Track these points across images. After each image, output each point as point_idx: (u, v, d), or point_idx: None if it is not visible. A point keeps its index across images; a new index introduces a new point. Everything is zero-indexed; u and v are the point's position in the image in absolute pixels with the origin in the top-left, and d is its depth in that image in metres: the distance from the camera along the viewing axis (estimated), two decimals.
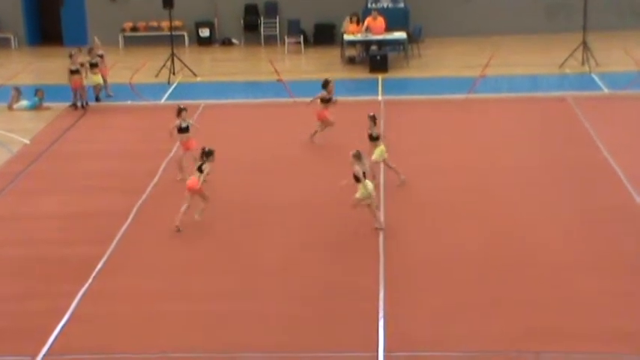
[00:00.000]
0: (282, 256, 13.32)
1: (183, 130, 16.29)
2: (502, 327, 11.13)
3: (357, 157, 13.62)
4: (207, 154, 14.16)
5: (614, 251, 13.09)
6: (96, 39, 23.01)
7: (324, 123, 18.38)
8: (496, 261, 12.88)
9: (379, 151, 15.65)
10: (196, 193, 14.24)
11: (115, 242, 13.89)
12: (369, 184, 13.62)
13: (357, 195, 13.66)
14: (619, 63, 24.27)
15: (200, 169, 14.17)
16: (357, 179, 13.55)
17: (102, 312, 11.84)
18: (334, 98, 18.46)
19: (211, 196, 15.40)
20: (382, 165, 15.94)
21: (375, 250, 13.28)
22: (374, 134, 15.73)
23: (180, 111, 16.32)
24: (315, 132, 18.38)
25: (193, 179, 14.20)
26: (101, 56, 22.31)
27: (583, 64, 23.92)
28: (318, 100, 18.42)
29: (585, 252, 13.11)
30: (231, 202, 15.40)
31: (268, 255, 13.36)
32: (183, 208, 14.19)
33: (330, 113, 18.38)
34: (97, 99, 22.19)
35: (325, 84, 18.55)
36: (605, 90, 21.91)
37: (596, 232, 13.82)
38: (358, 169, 13.56)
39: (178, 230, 14.13)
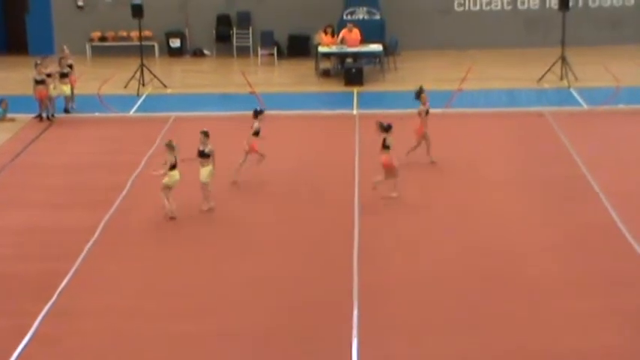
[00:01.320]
0: (253, 274, 13.27)
1: (256, 133, 16.54)
2: (479, 348, 11.15)
3: (170, 147, 14.84)
4: (386, 129, 15.59)
5: (591, 269, 13.18)
6: (65, 48, 22.89)
7: (421, 138, 17.52)
8: (473, 279, 12.93)
9: (207, 172, 15.27)
10: (391, 168, 15.54)
11: (80, 259, 13.79)
12: (176, 174, 14.86)
13: (164, 180, 14.84)
14: (598, 78, 24.48)
15: (385, 146, 15.53)
16: (171, 167, 14.84)
17: (66, 331, 11.74)
18: (429, 109, 17.58)
19: (179, 214, 15.38)
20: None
21: (348, 267, 13.29)
22: (206, 150, 15.27)
23: (259, 113, 16.52)
24: (414, 148, 17.57)
25: (386, 156, 15.57)
26: (70, 66, 22.19)
27: (562, 78, 24.09)
28: (418, 114, 17.53)
29: (564, 270, 13.20)
30: (201, 219, 15.35)
31: (239, 273, 13.31)
32: (377, 180, 15.68)
33: (425, 127, 17.56)
34: (67, 110, 22.06)
35: (419, 94, 17.57)
36: (584, 105, 22.09)
37: (574, 249, 13.91)
38: (169, 158, 14.84)
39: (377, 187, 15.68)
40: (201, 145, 15.33)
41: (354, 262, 13.47)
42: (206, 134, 15.36)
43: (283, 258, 13.77)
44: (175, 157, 14.97)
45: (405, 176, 17.18)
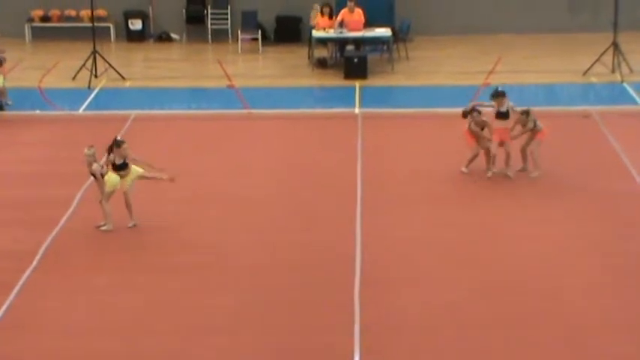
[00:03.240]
0: (231, 310, 13.23)
1: (502, 115, 17.55)
2: None
3: (91, 155, 15.67)
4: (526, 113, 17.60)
5: None
6: None
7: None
8: (498, 318, 12.91)
9: (131, 177, 15.76)
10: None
11: (15, 291, 13.72)
12: (112, 176, 15.66)
13: (107, 189, 15.64)
14: None
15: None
16: (102, 176, 15.67)
17: None
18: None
19: (137, 239, 15.36)
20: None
21: (349, 304, 13.26)
22: (126, 161, 15.73)
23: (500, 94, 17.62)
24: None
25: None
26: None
27: (613, 71, 24.11)
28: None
29: (613, 309, 13.16)
30: (165, 243, 15.33)
31: (213, 310, 13.27)
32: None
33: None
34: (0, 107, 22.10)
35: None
36: None
37: (627, 284, 13.87)
38: (96, 168, 15.61)
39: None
40: (117, 158, 15.68)
41: (355, 298, 13.43)
42: (120, 144, 15.72)
43: (267, 292, 13.72)
44: (101, 165, 15.74)
45: (413, 191, 17.18)
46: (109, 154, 15.77)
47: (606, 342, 12.34)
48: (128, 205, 15.87)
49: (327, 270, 14.31)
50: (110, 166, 15.74)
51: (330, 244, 15.18)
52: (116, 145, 15.72)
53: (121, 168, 15.73)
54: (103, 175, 15.68)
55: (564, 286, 13.78)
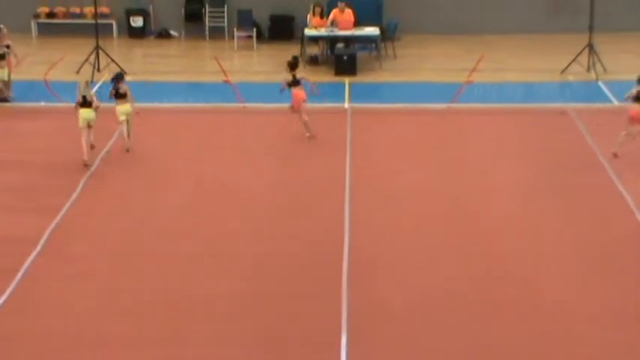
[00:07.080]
0: (222, 298, 13.22)
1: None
2: None
3: (87, 83, 17.81)
4: None
5: (621, 294, 13.17)
6: (2, 27, 22.78)
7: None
8: (483, 306, 12.91)
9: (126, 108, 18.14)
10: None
11: (19, 275, 13.71)
12: (87, 111, 17.54)
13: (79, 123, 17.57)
14: (631, 69, 24.38)
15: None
16: (82, 104, 17.62)
17: None
18: None
19: (138, 227, 15.32)
20: None
21: (337, 292, 13.25)
22: (120, 91, 18.11)
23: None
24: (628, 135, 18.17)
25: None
26: (7, 47, 22.09)
27: (589, 70, 24.12)
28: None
29: (588, 295, 13.19)
30: (164, 232, 15.32)
31: (209, 296, 13.24)
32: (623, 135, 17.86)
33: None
34: (4, 99, 21.97)
35: None
36: (614, 101, 22.12)
37: (601, 269, 13.92)
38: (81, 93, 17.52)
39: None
40: (113, 89, 17.92)
41: (343, 287, 13.42)
42: (120, 77, 18.40)
43: (257, 281, 13.70)
44: (85, 95, 17.57)
45: (399, 183, 17.17)
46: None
47: (581, 327, 12.36)
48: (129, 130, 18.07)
49: (316, 259, 14.27)
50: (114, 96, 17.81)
51: (319, 235, 15.12)
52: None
53: (117, 97, 17.75)
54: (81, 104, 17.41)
55: (541, 275, 13.77)
